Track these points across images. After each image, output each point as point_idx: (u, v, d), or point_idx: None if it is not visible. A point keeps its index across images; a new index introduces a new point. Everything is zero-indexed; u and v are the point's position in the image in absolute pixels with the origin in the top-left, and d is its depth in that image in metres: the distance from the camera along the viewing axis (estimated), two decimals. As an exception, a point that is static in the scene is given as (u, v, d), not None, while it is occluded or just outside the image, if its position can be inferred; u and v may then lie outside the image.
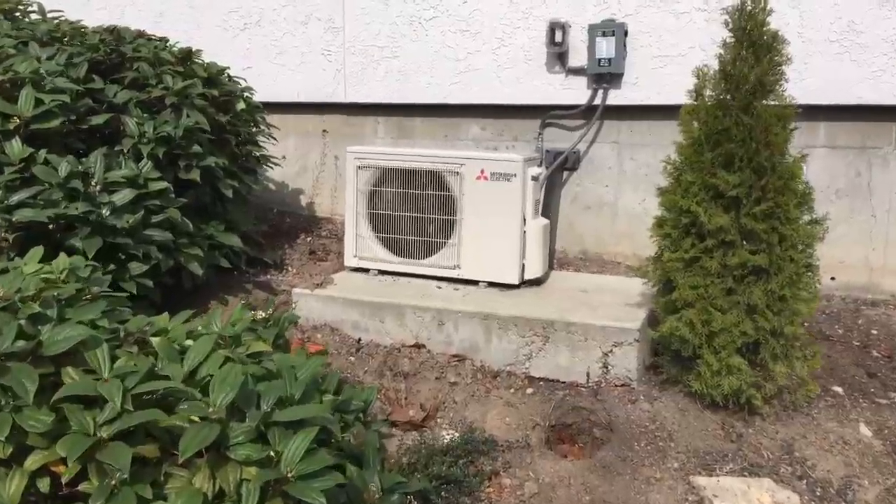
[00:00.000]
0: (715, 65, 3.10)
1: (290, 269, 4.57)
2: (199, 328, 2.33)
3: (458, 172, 3.92)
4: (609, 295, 3.82)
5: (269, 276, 4.43)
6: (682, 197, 3.04)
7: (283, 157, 5.58)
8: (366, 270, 4.20)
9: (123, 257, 3.35)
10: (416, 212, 4.04)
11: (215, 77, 3.99)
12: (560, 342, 3.42)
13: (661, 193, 3.19)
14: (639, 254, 4.78)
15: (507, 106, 4.98)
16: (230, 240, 3.87)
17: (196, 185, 3.80)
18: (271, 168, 5.33)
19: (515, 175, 3.82)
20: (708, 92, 3.07)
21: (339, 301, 3.77)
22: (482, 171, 3.88)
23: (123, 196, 3.31)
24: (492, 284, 3.95)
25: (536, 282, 4.01)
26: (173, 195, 3.62)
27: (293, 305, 3.88)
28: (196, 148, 3.69)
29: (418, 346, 3.66)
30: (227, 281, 4.21)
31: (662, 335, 3.17)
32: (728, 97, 2.99)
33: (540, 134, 4.91)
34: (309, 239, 5.03)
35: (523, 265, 3.92)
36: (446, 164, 3.93)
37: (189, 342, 2.35)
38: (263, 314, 2.94)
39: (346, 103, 5.39)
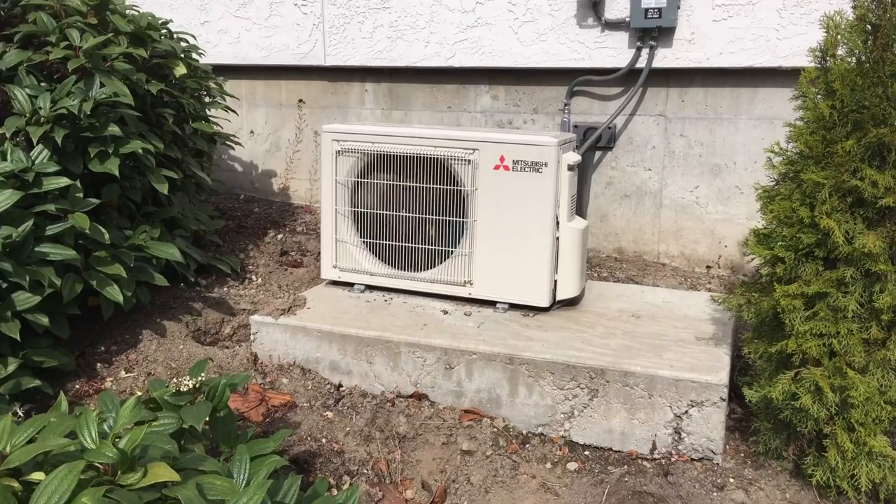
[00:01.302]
0: (841, 10, 2.12)
1: (254, 277, 3.61)
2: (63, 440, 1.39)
3: (469, 160, 2.95)
4: (671, 323, 2.88)
5: (226, 289, 3.47)
6: (803, 204, 2.08)
7: (252, 133, 4.58)
8: (349, 285, 3.24)
9: (4, 286, 2.39)
10: (414, 211, 3.08)
11: (144, 33, 2.99)
12: (613, 398, 2.48)
13: (765, 197, 2.23)
14: (687, 254, 3.83)
15: (525, 70, 3.99)
16: (165, 251, 2.90)
17: (121, 177, 2.82)
18: (232, 148, 4.33)
19: (547, 164, 2.85)
20: (841, 51, 2.09)
21: (313, 333, 2.82)
22: (502, 159, 2.91)
23: (1, 200, 2.33)
24: (514, 307, 3.00)
25: (571, 301, 3.06)
26: (82, 194, 2.64)
27: (252, 337, 2.93)
28: (113, 129, 2.70)
29: (419, 397, 2.73)
30: (169, 299, 3.25)
31: (767, 399, 2.23)
32: (875, 59, 2.01)
33: (566, 105, 3.92)
34: (280, 236, 4.05)
35: (555, 282, 2.97)
36: (454, 148, 2.96)
37: (38, 476, 1.45)
38: (191, 382, 1.98)
39: (327, 66, 4.38)
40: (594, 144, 3.87)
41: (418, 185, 3.06)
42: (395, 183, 3.09)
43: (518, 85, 4.05)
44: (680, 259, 3.93)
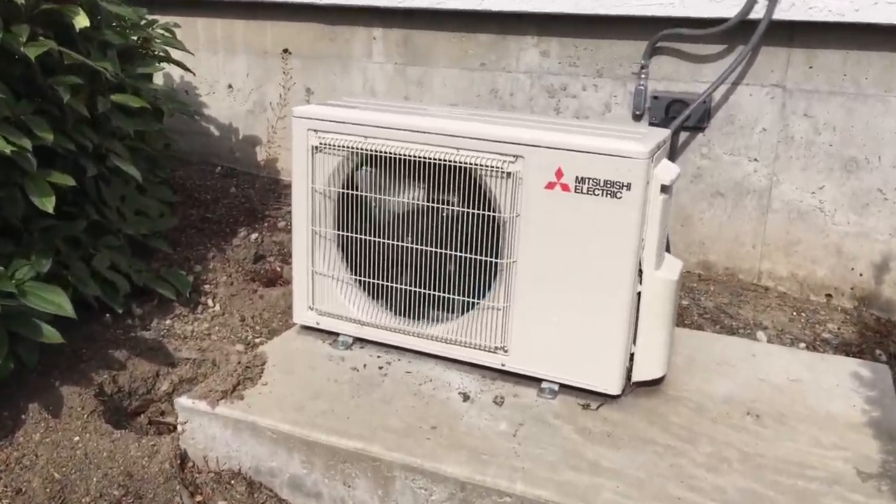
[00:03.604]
0: None
1: (210, 302, 2.66)
2: None
3: (509, 172, 1.93)
4: (811, 432, 1.89)
5: (169, 322, 2.53)
6: None
7: (230, 88, 3.57)
8: (332, 335, 2.27)
9: None
10: (427, 242, 2.09)
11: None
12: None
13: None
14: (801, 276, 2.80)
15: (588, 17, 2.90)
16: (48, 300, 1.94)
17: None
18: (191, 116, 3.32)
19: (630, 185, 1.82)
20: None
21: (266, 434, 1.87)
22: (559, 173, 1.88)
23: None
24: (566, 388, 2.02)
25: (652, 381, 2.07)
26: None
27: (180, 428, 1.99)
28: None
29: (420, 548, 1.79)
30: (81, 345, 2.33)
31: None
32: None
33: (644, 67, 2.85)
34: (255, 235, 3.08)
35: (631, 357, 1.98)
36: (486, 152, 1.94)
37: None
38: None
39: (322, 4, 3.32)
40: (681, 123, 2.80)
41: (433, 204, 2.05)
42: (398, 199, 2.09)
43: (577, 37, 2.97)
44: (789, 282, 2.90)
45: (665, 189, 1.89)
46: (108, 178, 2.57)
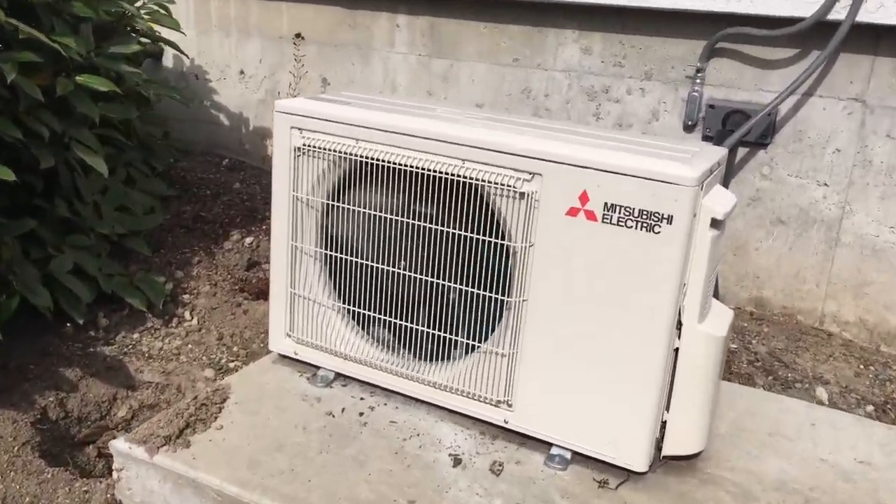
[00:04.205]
0: None
1: (188, 315, 2.35)
2: None
3: (522, 193, 1.57)
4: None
5: (137, 336, 2.23)
6: None
7: (242, 74, 3.26)
8: (313, 367, 1.94)
9: None
10: (424, 269, 1.74)
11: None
12: None
13: None
14: (871, 322, 2.40)
15: (639, 10, 2.53)
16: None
17: None
18: (188, 105, 3.03)
19: (672, 217, 1.44)
20: None
21: (210, 495, 1.55)
22: (584, 198, 1.52)
23: None
24: (580, 456, 1.66)
25: (688, 455, 1.69)
26: None
27: (115, 475, 1.67)
28: None
29: None
30: (34, 357, 2.04)
31: None
32: None
33: (699, 71, 2.46)
34: (250, 239, 2.76)
35: (663, 425, 1.61)
36: (496, 166, 1.58)
37: None
38: None
39: (339, -14, 2.99)
40: (741, 137, 2.40)
41: (432, 225, 1.70)
42: (391, 217, 1.74)
43: (624, 33, 2.59)
44: (857, 328, 2.49)
45: (716, 224, 1.51)
46: (86, 169, 2.27)
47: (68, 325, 2.20)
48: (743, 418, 1.90)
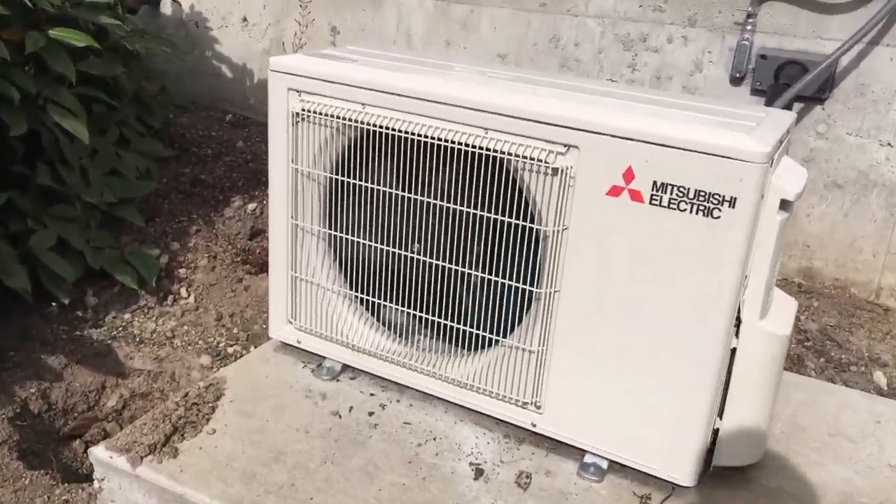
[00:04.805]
0: None
1: (184, 292, 2.16)
2: None
3: (554, 168, 1.34)
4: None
5: (128, 316, 2.05)
6: None
7: (245, 22, 3.02)
8: (317, 357, 1.75)
9: None
10: (440, 254, 1.52)
11: None
12: None
13: None
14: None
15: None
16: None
17: None
18: (184, 59, 2.79)
19: (737, 199, 1.21)
20: None
21: (202, 508, 1.37)
22: (629, 175, 1.29)
23: None
24: (618, 466, 1.46)
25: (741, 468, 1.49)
26: None
27: (97, 486, 1.50)
28: None
29: None
30: (12, 343, 1.86)
31: None
32: None
33: (750, 17, 2.19)
34: (254, 205, 2.56)
35: (714, 433, 1.40)
36: (523, 136, 1.35)
37: None
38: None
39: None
40: (795, 94, 2.14)
41: (451, 205, 1.48)
42: (405, 194, 1.52)
43: (666, -25, 2.31)
44: (919, 305, 2.26)
45: (786, 206, 1.28)
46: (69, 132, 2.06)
47: (53, 304, 2.01)
48: (799, 415, 1.69)
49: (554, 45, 2.52)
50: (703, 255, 1.27)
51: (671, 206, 1.27)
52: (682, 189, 1.26)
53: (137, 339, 1.98)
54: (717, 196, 1.23)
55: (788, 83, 2.16)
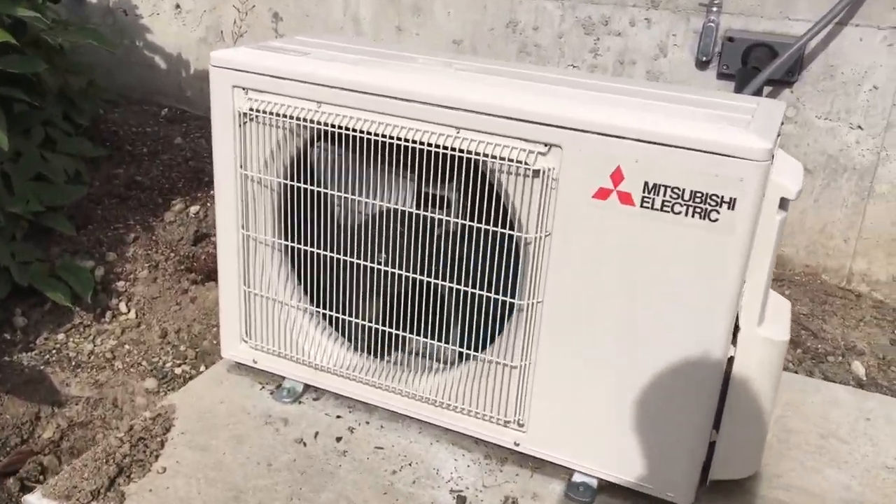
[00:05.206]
0: None
1: (123, 307, 1.99)
2: None
3: (534, 170, 1.21)
4: None
5: (61, 337, 1.88)
6: None
7: (178, 9, 2.81)
8: (276, 377, 1.60)
9: None
10: (409, 265, 1.39)
11: None
12: None
13: None
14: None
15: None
16: None
17: None
18: (114, 51, 2.59)
19: (736, 200, 1.11)
20: None
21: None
22: (617, 176, 1.17)
23: None
24: (607, 485, 1.36)
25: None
26: None
27: (35, 538, 1.34)
28: None
29: None
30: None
31: None
32: None
33: (715, -2, 2.11)
34: (197, 208, 2.38)
35: (710, 446, 1.31)
36: (501, 136, 1.23)
37: None
38: None
39: None
40: (765, 79, 2.07)
41: (419, 212, 1.35)
42: (367, 200, 1.38)
43: (627, -46, 2.21)
44: (889, 287, 2.22)
45: (784, 204, 1.18)
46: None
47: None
48: (788, 416, 1.62)
49: (512, 30, 2.40)
50: (700, 262, 1.17)
51: (664, 208, 1.16)
52: (676, 190, 1.15)
53: (73, 363, 1.81)
54: (715, 197, 1.13)
55: (758, 66, 2.08)
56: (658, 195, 1.16)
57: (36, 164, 2.14)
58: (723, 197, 1.13)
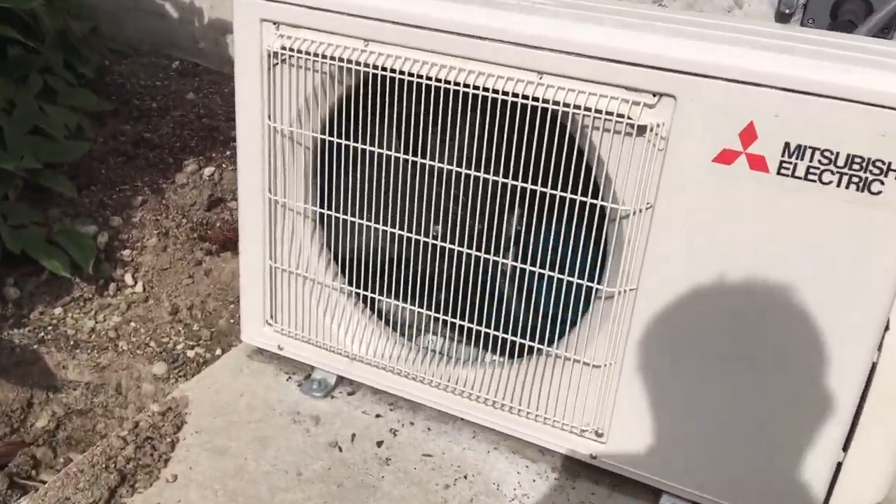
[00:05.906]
0: None
1: (129, 279, 1.76)
2: None
3: (638, 126, 0.96)
4: None
5: (59, 311, 1.65)
6: None
7: (191, -50, 2.54)
8: (304, 367, 1.37)
9: None
10: (471, 241, 1.15)
11: None
12: None
13: None
14: None
15: None
16: None
17: None
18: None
19: (905, 170, 0.86)
20: None
21: None
22: (748, 132, 0.92)
23: None
24: (708, 509, 1.13)
25: (858, 502, 1.17)
26: None
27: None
28: None
29: None
30: None
31: None
32: None
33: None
34: (212, 170, 2.14)
35: (837, 468, 1.08)
36: (594, 83, 0.98)
37: None
38: None
39: None
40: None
41: (487, 175, 1.11)
42: (425, 161, 1.14)
43: None
44: None
45: (958, 175, 0.93)
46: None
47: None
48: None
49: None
50: (853, 245, 0.93)
51: (809, 177, 0.92)
52: (827, 154, 0.90)
53: (72, 342, 1.58)
54: (879, 164, 0.89)
55: (853, 21, 1.81)
56: (802, 160, 0.92)
57: (33, 116, 1.91)
58: (890, 164, 0.88)
